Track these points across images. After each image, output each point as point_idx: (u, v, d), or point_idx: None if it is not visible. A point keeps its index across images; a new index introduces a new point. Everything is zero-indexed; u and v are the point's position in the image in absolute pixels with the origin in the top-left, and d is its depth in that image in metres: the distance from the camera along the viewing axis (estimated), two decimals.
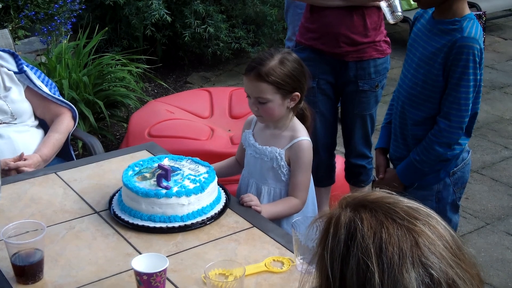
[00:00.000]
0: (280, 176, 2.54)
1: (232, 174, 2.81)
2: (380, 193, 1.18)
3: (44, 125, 3.22)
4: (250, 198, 2.42)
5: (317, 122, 3.42)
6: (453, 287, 1.07)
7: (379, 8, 3.30)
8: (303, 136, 2.53)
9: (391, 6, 3.26)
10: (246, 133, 2.66)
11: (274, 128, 2.57)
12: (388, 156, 2.85)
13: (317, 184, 3.50)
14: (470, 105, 2.49)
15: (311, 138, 2.58)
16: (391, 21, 3.30)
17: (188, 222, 2.26)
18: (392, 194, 1.18)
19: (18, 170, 2.84)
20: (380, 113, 3.48)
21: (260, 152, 2.56)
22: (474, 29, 2.43)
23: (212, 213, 2.32)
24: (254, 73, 2.44)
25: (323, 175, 3.60)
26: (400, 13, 3.29)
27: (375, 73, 3.35)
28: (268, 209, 2.45)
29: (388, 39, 3.41)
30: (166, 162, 2.41)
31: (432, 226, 1.12)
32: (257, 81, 2.43)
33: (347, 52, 3.29)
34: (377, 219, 1.11)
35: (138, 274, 1.87)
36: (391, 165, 2.83)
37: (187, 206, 2.26)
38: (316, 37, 3.33)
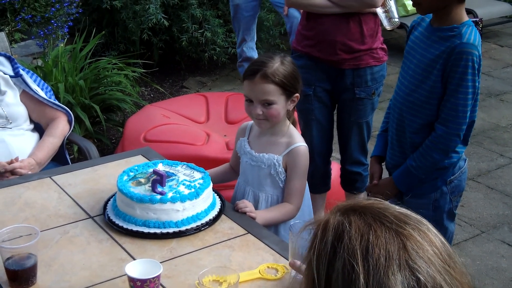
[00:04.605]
0: (277, 183, 2.53)
1: (227, 180, 2.80)
2: (372, 200, 1.16)
3: (40, 129, 3.21)
4: (245, 204, 2.42)
5: (313, 129, 3.43)
6: None
7: (375, 15, 3.29)
8: (300, 142, 2.53)
9: (388, 12, 3.25)
10: (241, 141, 2.65)
11: (271, 135, 2.56)
12: (383, 164, 2.85)
13: (313, 190, 3.49)
14: (468, 112, 2.48)
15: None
16: (388, 27, 3.30)
17: (183, 228, 2.25)
18: (384, 201, 1.16)
19: (12, 172, 2.84)
20: (377, 119, 3.47)
21: (257, 160, 2.55)
22: (473, 36, 2.43)
23: (206, 219, 2.31)
24: (261, 75, 2.44)
25: (318, 181, 3.59)
26: (397, 19, 3.28)
27: (371, 80, 3.34)
28: (262, 215, 2.44)
29: (384, 46, 3.40)
30: (160, 167, 2.40)
31: (422, 231, 1.10)
32: (264, 82, 2.43)
33: (343, 59, 3.28)
34: (366, 222, 1.10)
35: (132, 280, 1.86)
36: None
37: (182, 212, 2.25)
38: (312, 44, 3.32)
